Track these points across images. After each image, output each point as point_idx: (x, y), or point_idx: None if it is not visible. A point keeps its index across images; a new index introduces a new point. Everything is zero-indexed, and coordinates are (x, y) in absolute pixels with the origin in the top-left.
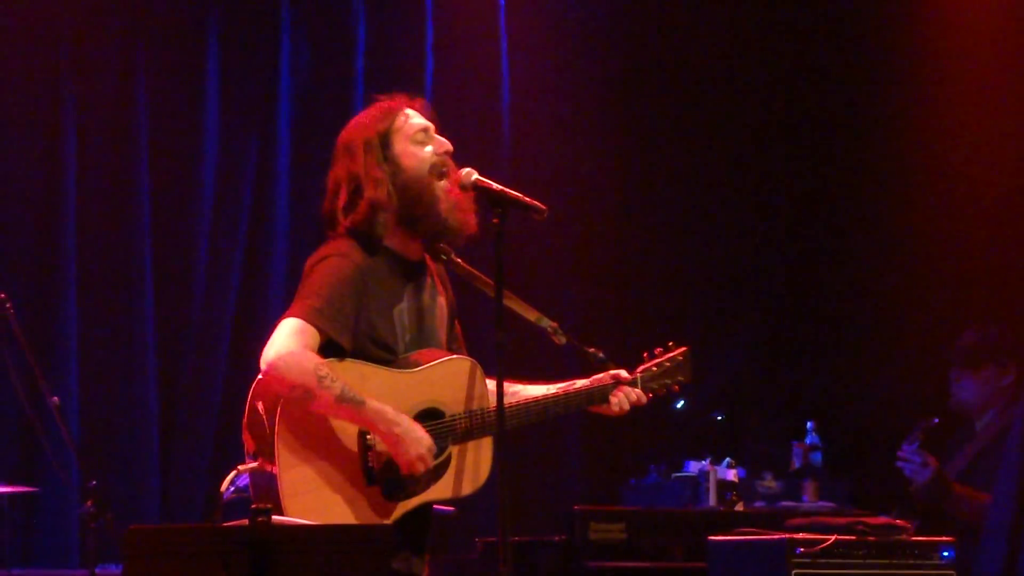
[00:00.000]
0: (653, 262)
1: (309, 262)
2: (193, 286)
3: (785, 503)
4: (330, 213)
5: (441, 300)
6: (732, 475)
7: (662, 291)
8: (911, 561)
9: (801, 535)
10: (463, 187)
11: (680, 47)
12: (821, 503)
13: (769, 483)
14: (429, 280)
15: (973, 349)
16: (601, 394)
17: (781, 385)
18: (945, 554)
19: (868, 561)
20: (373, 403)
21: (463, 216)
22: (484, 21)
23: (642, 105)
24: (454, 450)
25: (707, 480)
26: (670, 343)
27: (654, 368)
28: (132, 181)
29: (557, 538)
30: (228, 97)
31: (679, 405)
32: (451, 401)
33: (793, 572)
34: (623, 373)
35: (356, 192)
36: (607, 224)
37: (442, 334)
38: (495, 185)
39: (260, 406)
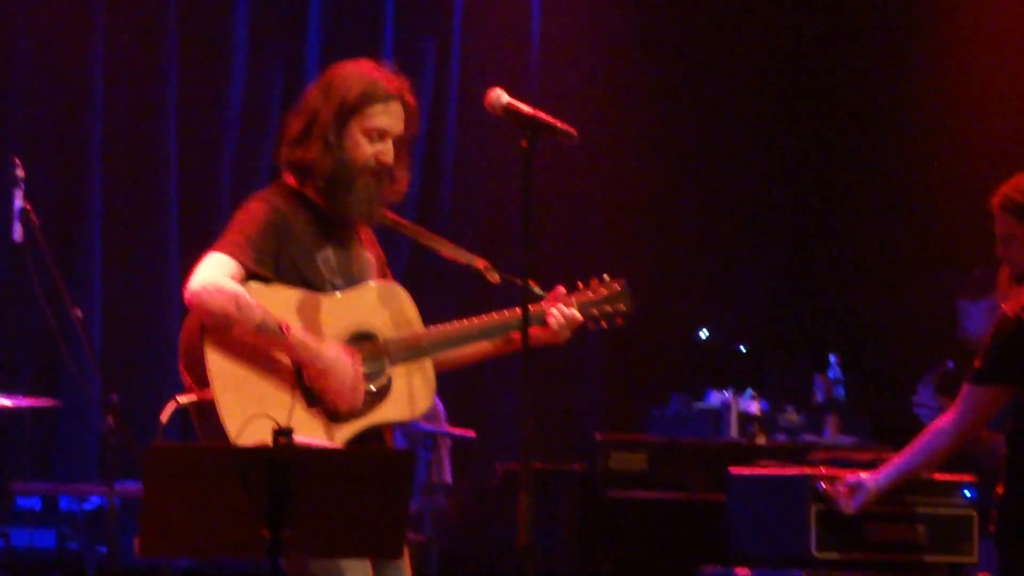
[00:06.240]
0: (675, 195)
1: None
2: (219, 204)
3: (807, 437)
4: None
5: (369, 255)
6: (754, 407)
7: (683, 222)
8: (932, 499)
9: (822, 469)
10: (493, 109)
11: None
12: (843, 437)
13: (791, 416)
14: (355, 238)
15: (978, 280)
16: (538, 316)
17: (805, 318)
18: (966, 493)
19: (888, 498)
20: (296, 333)
21: (373, 211)
22: None
23: (671, 40)
24: (395, 371)
25: (729, 412)
26: (605, 275)
27: (589, 294)
28: (159, 93)
29: (578, 466)
30: (257, 13)
31: (702, 335)
32: (382, 324)
33: (813, 507)
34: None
35: (307, 135)
36: (627, 158)
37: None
38: (526, 108)
39: (189, 336)
